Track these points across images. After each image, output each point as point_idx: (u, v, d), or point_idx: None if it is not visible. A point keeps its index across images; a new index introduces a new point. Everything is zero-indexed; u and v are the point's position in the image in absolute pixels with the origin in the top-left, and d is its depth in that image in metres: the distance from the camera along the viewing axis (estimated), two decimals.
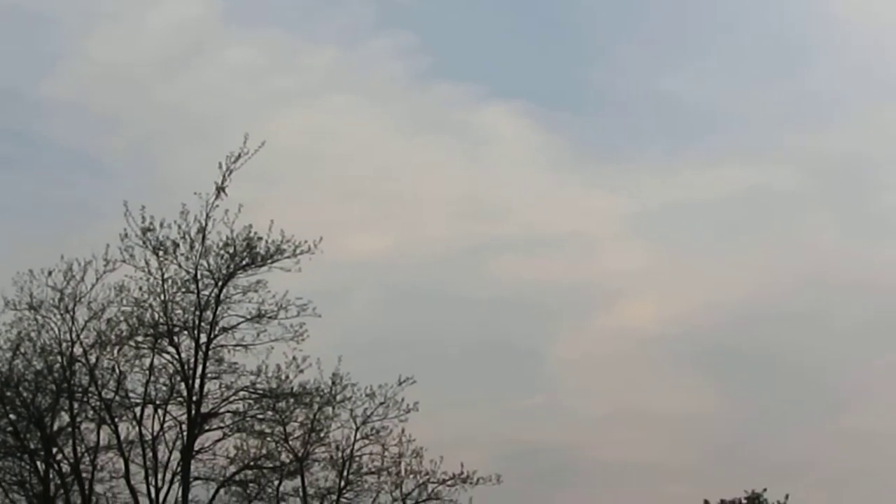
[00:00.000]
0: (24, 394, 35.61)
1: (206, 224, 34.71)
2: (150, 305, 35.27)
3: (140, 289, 35.23)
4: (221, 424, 36.31)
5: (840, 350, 75.51)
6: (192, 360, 35.13)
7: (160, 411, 35.73)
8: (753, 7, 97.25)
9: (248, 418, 36.49)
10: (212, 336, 35.25)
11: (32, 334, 35.62)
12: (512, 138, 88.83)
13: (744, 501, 51.07)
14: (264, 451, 37.25)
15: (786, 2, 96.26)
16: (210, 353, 35.29)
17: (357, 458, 37.80)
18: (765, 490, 50.88)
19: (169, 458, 35.56)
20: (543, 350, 75.50)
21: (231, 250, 34.95)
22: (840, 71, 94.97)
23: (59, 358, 35.54)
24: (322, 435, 37.50)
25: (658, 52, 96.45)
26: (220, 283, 35.13)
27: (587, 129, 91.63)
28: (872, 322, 76.66)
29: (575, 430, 68.07)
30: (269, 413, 36.51)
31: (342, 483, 37.67)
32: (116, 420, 35.67)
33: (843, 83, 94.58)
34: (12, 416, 35.71)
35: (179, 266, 35.05)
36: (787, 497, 50.74)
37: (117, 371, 35.76)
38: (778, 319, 77.09)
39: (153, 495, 35.28)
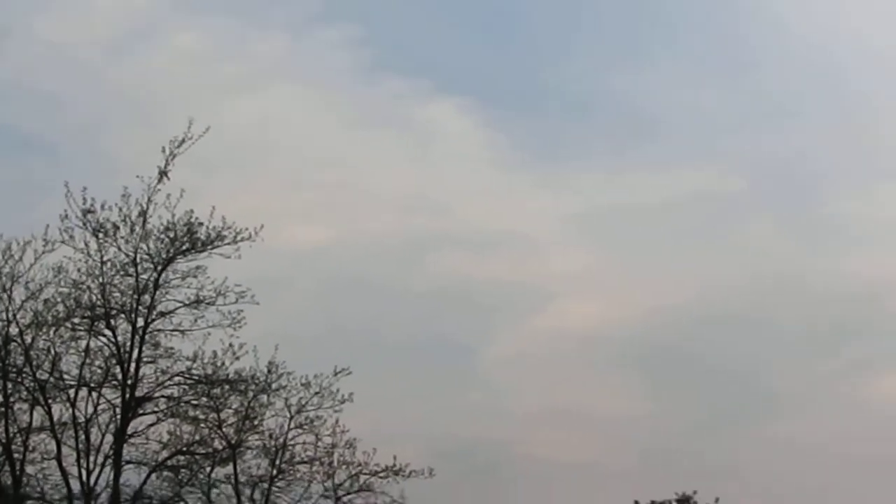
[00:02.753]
0: None
1: (148, 208, 34.81)
2: (88, 287, 35.21)
3: (78, 270, 35.18)
4: (155, 409, 36.27)
5: (779, 356, 76.19)
6: (129, 343, 35.06)
7: (94, 394, 35.66)
8: (704, 9, 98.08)
9: (182, 404, 36.48)
10: (149, 320, 35.23)
11: None
12: (457, 135, 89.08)
13: (674, 503, 51.50)
14: (197, 437, 37.29)
15: (736, 4, 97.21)
16: (147, 337, 35.27)
17: (290, 447, 37.96)
18: (695, 492, 51.37)
19: (101, 441, 35.51)
20: (481, 347, 75.75)
21: (171, 235, 34.97)
22: (787, 75, 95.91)
23: None
24: (256, 423, 37.60)
25: (610, 52, 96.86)
26: (159, 268, 35.13)
27: (534, 128, 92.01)
28: (813, 329, 77.50)
29: (509, 428, 68.28)
30: (204, 399, 36.50)
31: (274, 471, 37.79)
32: (50, 401, 35.45)
33: (790, 87, 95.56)
34: None
35: (119, 249, 35.03)
36: (717, 501, 51.25)
37: (52, 352, 35.57)
38: (718, 324, 77.68)
39: (84, 478, 35.18)
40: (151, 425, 36.34)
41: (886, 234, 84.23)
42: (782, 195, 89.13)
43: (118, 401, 35.21)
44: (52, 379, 35.53)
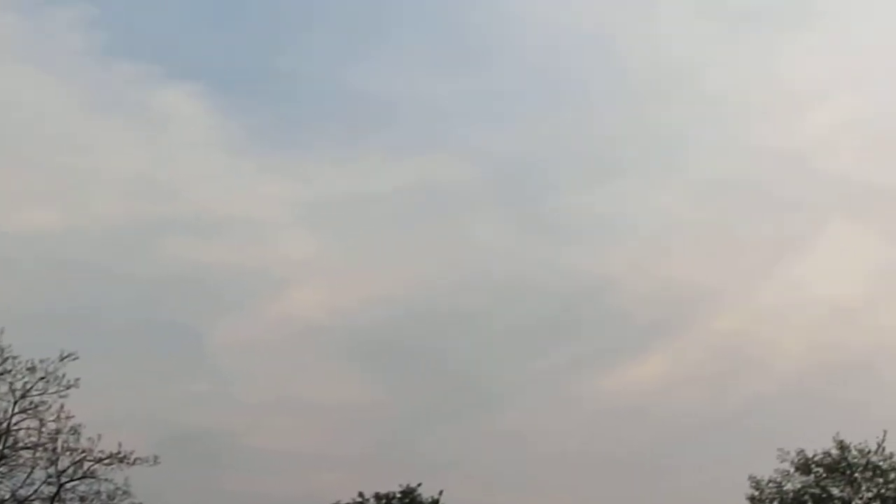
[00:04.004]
0: None
1: None
2: None
3: None
4: None
5: (501, 351, 78.05)
6: None
7: None
8: (441, 5, 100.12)
9: None
10: None
11: None
12: (190, 120, 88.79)
13: (398, 495, 52.14)
14: None
15: (473, 2, 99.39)
16: None
17: (13, 433, 37.23)
18: (419, 485, 52.14)
19: None
20: (209, 334, 75.57)
21: None
22: (518, 73, 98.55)
23: None
24: None
25: (344, 42, 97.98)
26: None
27: (267, 115, 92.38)
28: (531, 325, 79.64)
29: (236, 416, 68.35)
30: None
31: None
32: None
33: (520, 86, 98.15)
34: None
35: None
36: (440, 493, 52.11)
37: None
38: (444, 316, 79.28)
39: None
40: None
41: (607, 231, 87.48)
42: (511, 188, 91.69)
43: None
44: None
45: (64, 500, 37.57)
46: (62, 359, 37.23)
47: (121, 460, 37.83)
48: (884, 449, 46.74)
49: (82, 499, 37.77)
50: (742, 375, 78.60)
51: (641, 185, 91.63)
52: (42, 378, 37.14)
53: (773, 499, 47.78)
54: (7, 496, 37.30)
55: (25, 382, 37.01)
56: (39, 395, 37.18)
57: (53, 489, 37.49)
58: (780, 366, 77.53)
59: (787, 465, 47.55)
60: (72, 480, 37.73)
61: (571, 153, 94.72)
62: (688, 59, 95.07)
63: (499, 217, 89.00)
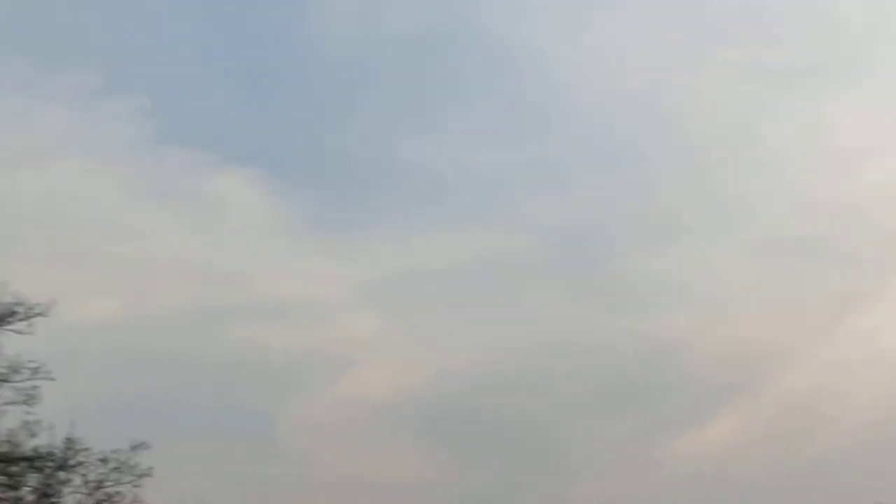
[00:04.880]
0: None
1: None
2: None
3: None
4: None
5: (571, 419, 77.54)
6: None
7: None
8: (490, 75, 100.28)
9: None
10: None
11: None
12: (246, 205, 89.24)
13: None
14: None
15: (521, 70, 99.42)
16: None
17: None
18: None
19: None
20: (277, 417, 75.52)
21: None
22: (570, 140, 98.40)
23: None
24: (55, 500, 36.89)
25: (395, 118, 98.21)
26: None
27: (323, 196, 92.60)
28: (599, 392, 79.10)
29: (308, 498, 68.17)
30: (2, 478, 35.78)
31: None
32: None
33: (574, 153, 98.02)
34: None
35: None
36: None
37: None
38: (509, 388, 78.74)
39: None
40: None
41: (673, 294, 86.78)
42: (570, 257, 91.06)
43: None
44: None
45: None
46: (134, 448, 37.36)
47: None
48: None
49: None
50: (815, 431, 77.70)
51: (702, 247, 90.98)
52: (115, 468, 37.28)
53: None
54: None
55: (99, 474, 37.17)
56: (113, 485, 37.32)
57: None
58: (853, 420, 76.56)
59: None
60: None
61: (629, 218, 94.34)
62: (740, 117, 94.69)
63: (559, 286, 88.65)
